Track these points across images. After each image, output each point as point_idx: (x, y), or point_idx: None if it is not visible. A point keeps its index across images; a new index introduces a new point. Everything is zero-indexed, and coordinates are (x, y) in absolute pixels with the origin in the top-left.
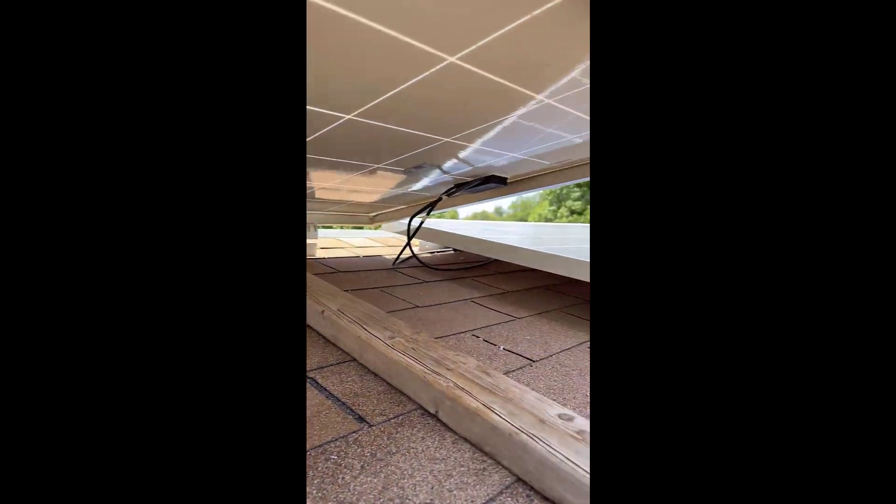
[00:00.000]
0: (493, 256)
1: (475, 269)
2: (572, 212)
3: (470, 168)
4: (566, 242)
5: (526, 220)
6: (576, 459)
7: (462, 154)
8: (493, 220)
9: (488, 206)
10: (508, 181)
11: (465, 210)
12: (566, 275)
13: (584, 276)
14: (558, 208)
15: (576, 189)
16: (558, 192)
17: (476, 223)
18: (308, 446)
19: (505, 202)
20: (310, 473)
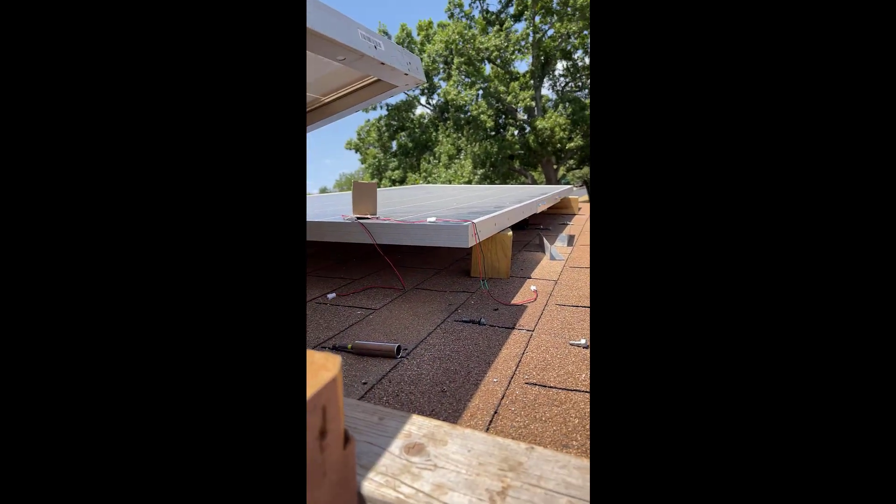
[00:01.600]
0: None
1: None
2: (393, 181)
3: None
4: (328, 207)
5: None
6: None
7: None
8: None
9: (312, 188)
10: None
11: None
12: (318, 239)
13: (332, 237)
14: (380, 180)
15: (393, 160)
16: (378, 164)
17: None
18: None
19: (329, 181)
20: None
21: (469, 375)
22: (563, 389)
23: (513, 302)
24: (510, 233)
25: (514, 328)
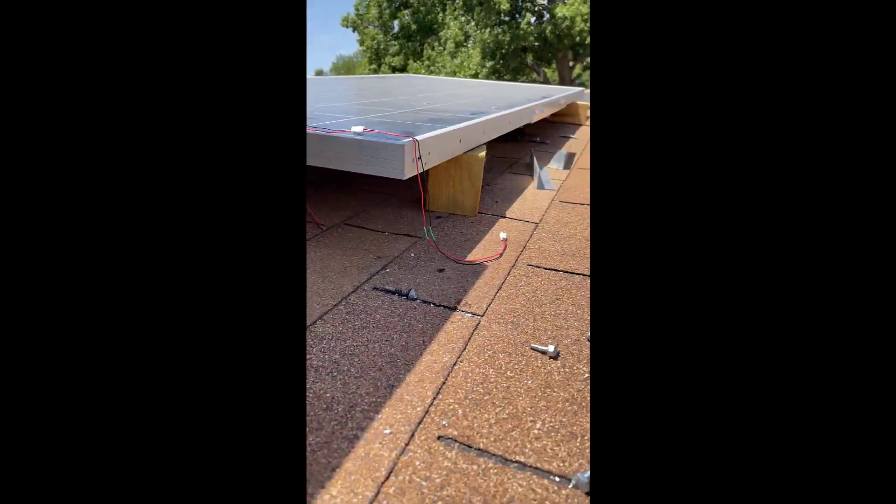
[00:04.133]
0: None
1: None
2: (394, 68)
3: None
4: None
5: None
6: None
7: None
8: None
9: (307, 70)
10: None
11: None
12: None
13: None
14: (379, 66)
15: (394, 43)
16: (376, 47)
17: None
18: None
19: (325, 64)
20: None
21: (351, 413)
22: (499, 460)
23: (468, 258)
24: (482, 153)
25: (455, 309)
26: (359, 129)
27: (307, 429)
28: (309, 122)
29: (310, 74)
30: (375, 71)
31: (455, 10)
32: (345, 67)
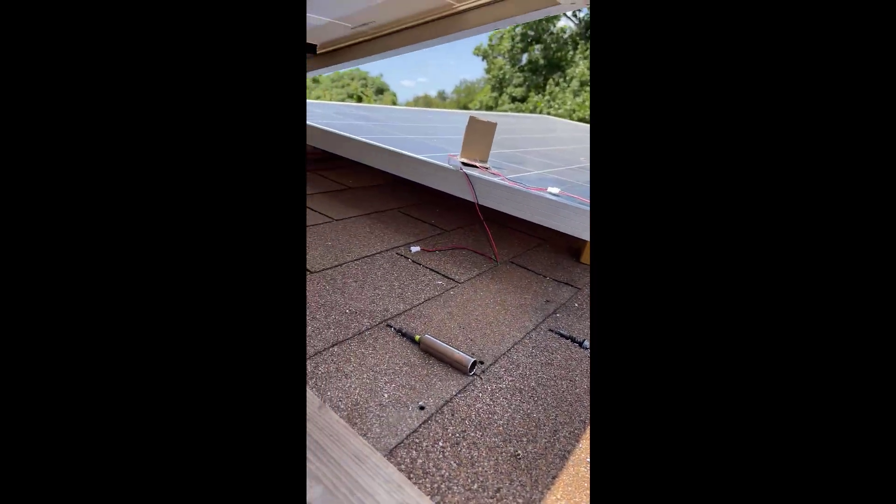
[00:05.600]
0: (334, 151)
1: (322, 161)
2: (514, 98)
3: None
4: (437, 133)
5: (468, 107)
6: None
7: None
8: (437, 106)
9: (431, 90)
10: (318, 51)
11: (404, 95)
12: (398, 174)
13: (416, 176)
14: (500, 95)
15: (518, 74)
16: (500, 76)
17: (377, 108)
18: None
19: (448, 87)
20: None
21: (556, 435)
22: None
23: None
24: None
25: None
26: (555, 190)
27: (524, 439)
28: (505, 174)
29: (432, 94)
30: (496, 98)
31: (586, 49)
32: (466, 92)
